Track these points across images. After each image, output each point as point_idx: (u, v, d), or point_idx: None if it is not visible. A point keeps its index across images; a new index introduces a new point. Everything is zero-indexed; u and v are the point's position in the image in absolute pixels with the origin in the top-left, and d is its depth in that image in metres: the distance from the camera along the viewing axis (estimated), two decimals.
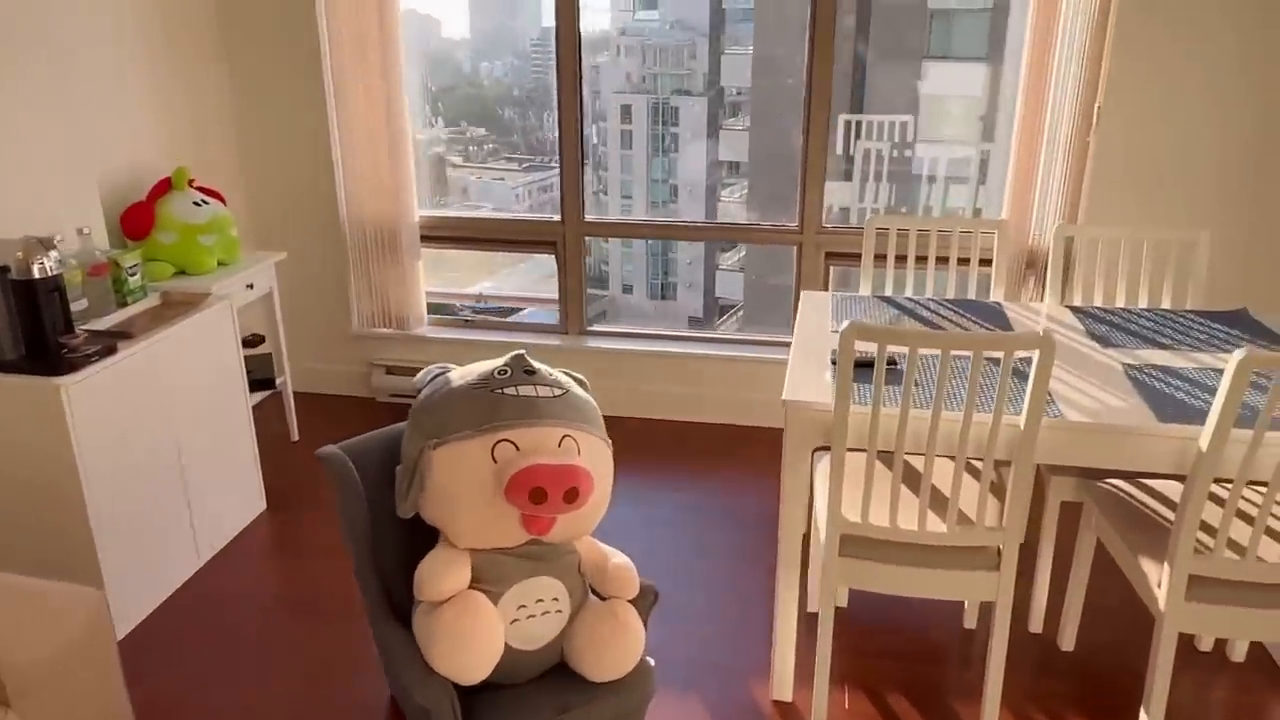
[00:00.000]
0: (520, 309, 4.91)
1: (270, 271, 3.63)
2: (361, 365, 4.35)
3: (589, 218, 4.06)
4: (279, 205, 4.08)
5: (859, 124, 7.23)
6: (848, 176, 6.95)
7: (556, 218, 4.07)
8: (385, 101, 3.75)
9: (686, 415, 4.19)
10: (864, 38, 6.99)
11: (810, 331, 2.65)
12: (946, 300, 2.94)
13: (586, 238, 4.18)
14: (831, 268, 4.04)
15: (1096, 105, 3.47)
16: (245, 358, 3.75)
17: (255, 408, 3.31)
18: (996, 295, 3.11)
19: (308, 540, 3.22)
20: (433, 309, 4.47)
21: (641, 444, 3.93)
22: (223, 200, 3.53)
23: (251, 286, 3.50)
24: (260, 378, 3.71)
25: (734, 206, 10.74)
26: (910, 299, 2.96)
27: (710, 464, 3.79)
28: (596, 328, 4.38)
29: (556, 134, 4.07)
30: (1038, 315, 2.84)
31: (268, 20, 3.94)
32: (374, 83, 3.83)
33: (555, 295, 4.32)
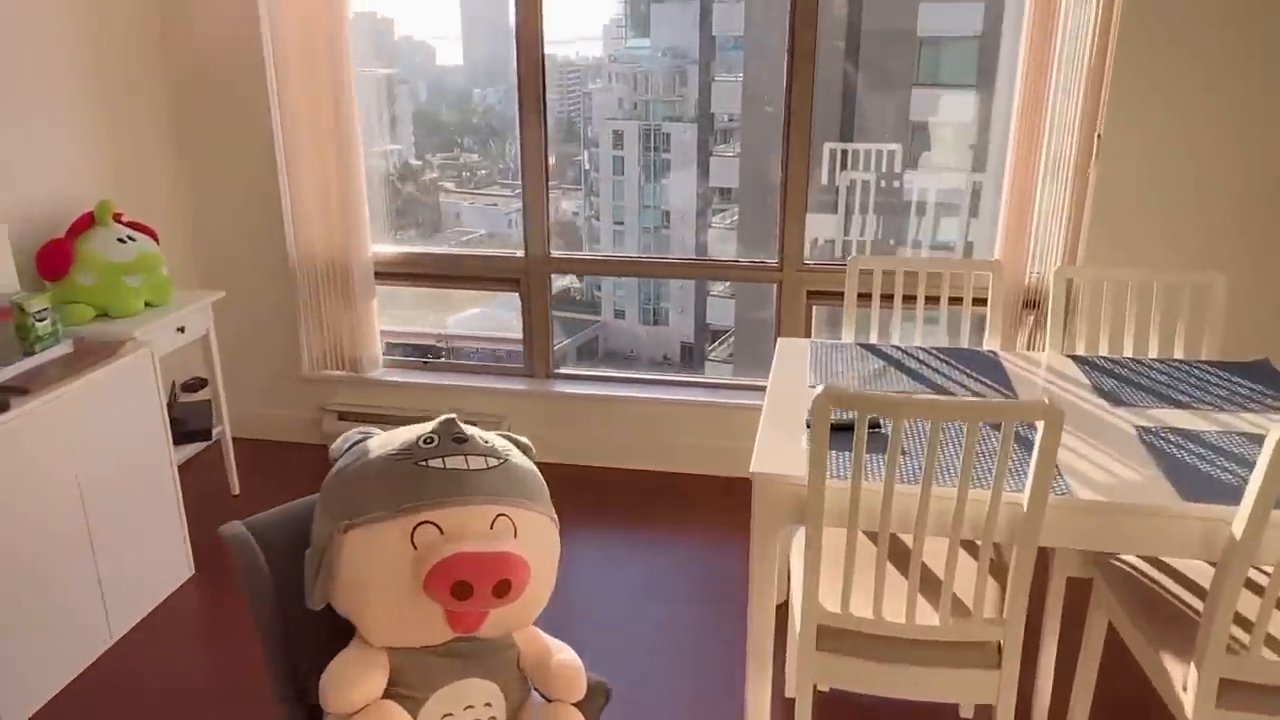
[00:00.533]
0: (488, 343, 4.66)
1: (206, 312, 3.35)
2: (312, 410, 4.06)
3: (555, 253, 3.78)
4: (224, 241, 3.86)
5: (845, 153, 6.99)
6: (834, 208, 6.70)
7: (519, 253, 3.79)
8: (335, 133, 3.53)
9: (662, 465, 3.91)
10: (853, 63, 6.77)
11: (786, 388, 2.37)
12: (937, 350, 2.67)
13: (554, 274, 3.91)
14: (815, 307, 3.77)
15: (1097, 134, 3.22)
16: (183, 405, 3.46)
17: (194, 459, 3.02)
18: (991, 342, 2.84)
19: (238, 611, 2.92)
20: (397, 349, 4.20)
21: (610, 497, 3.64)
22: (155, 236, 3.25)
23: (183, 330, 3.22)
24: (197, 427, 3.43)
25: (723, 234, 10.54)
26: (897, 348, 2.69)
27: (685, 519, 3.50)
28: (566, 370, 4.10)
29: (518, 163, 3.81)
30: (1037, 367, 2.56)
31: (210, 46, 3.69)
32: (323, 112, 3.58)
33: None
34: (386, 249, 3.88)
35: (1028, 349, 3.44)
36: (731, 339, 10.56)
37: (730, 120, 11.10)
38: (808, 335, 3.72)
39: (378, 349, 3.92)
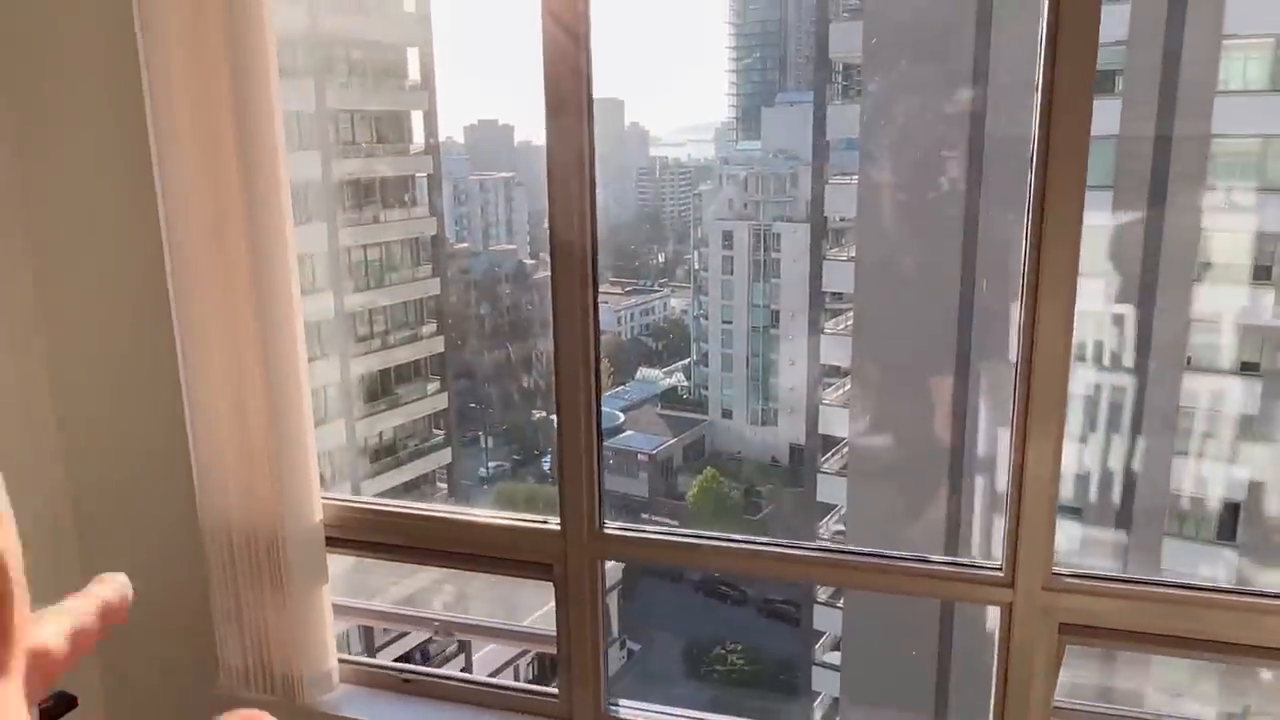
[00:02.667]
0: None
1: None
2: None
3: (611, 528, 2.28)
4: (96, 486, 2.54)
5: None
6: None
7: (554, 523, 2.27)
8: (259, 332, 2.05)
9: None
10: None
11: None
12: None
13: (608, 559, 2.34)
14: (1068, 647, 1.87)
15: None
16: None
17: None
18: None
19: None
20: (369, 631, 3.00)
21: None
22: None
23: None
24: None
25: (838, 339, 10.31)
26: None
27: None
28: (627, 702, 2.37)
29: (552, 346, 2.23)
30: None
31: (82, 198, 2.33)
32: (239, 303, 2.05)
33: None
34: (347, 501, 2.51)
35: None
36: (844, 451, 10.19)
37: (841, 220, 10.98)
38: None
39: (328, 659, 2.39)
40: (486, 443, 29.33)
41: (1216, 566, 8.06)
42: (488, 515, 2.52)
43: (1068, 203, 2.05)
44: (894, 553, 2.17)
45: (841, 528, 10.42)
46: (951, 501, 9.26)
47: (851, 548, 2.36)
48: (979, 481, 9.23)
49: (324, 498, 2.41)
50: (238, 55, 2.07)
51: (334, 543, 2.48)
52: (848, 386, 10.20)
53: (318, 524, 2.37)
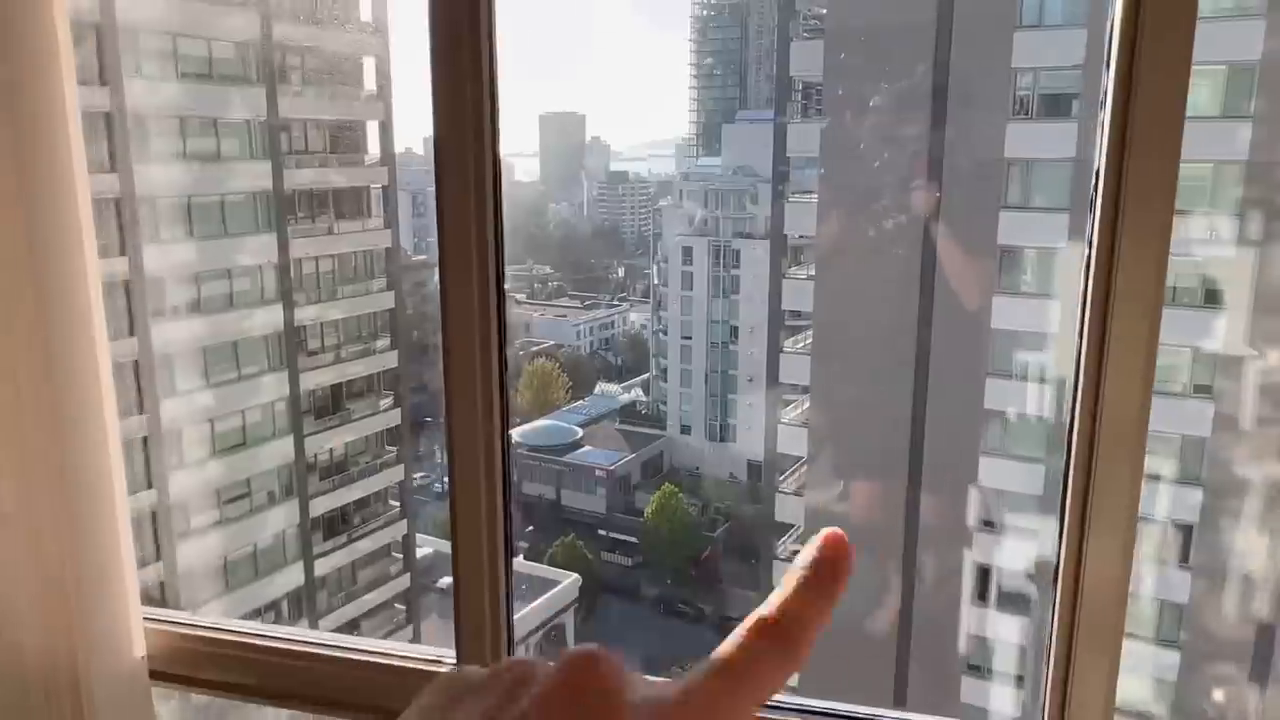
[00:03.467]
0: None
1: None
2: None
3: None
4: None
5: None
6: None
7: (449, 656, 1.54)
8: (51, 401, 1.41)
9: None
10: None
11: None
12: None
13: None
14: None
15: None
16: None
17: None
18: None
19: None
20: None
21: None
22: None
23: None
24: None
25: (798, 358, 10.28)
26: None
27: None
28: None
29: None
30: None
31: None
32: (17, 365, 1.36)
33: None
34: (177, 621, 1.70)
35: None
36: (804, 468, 10.15)
37: (800, 238, 10.98)
38: None
39: None
40: (443, 458, 28.69)
41: None
42: (368, 647, 1.71)
43: (1149, 244, 1.00)
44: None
45: (799, 548, 10.32)
46: (909, 519, 9.27)
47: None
48: (929, 500, 9.25)
49: (150, 619, 1.70)
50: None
51: (163, 680, 1.74)
52: (806, 405, 10.16)
53: (139, 660, 1.68)
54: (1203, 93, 7.88)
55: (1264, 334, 7.92)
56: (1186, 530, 8.22)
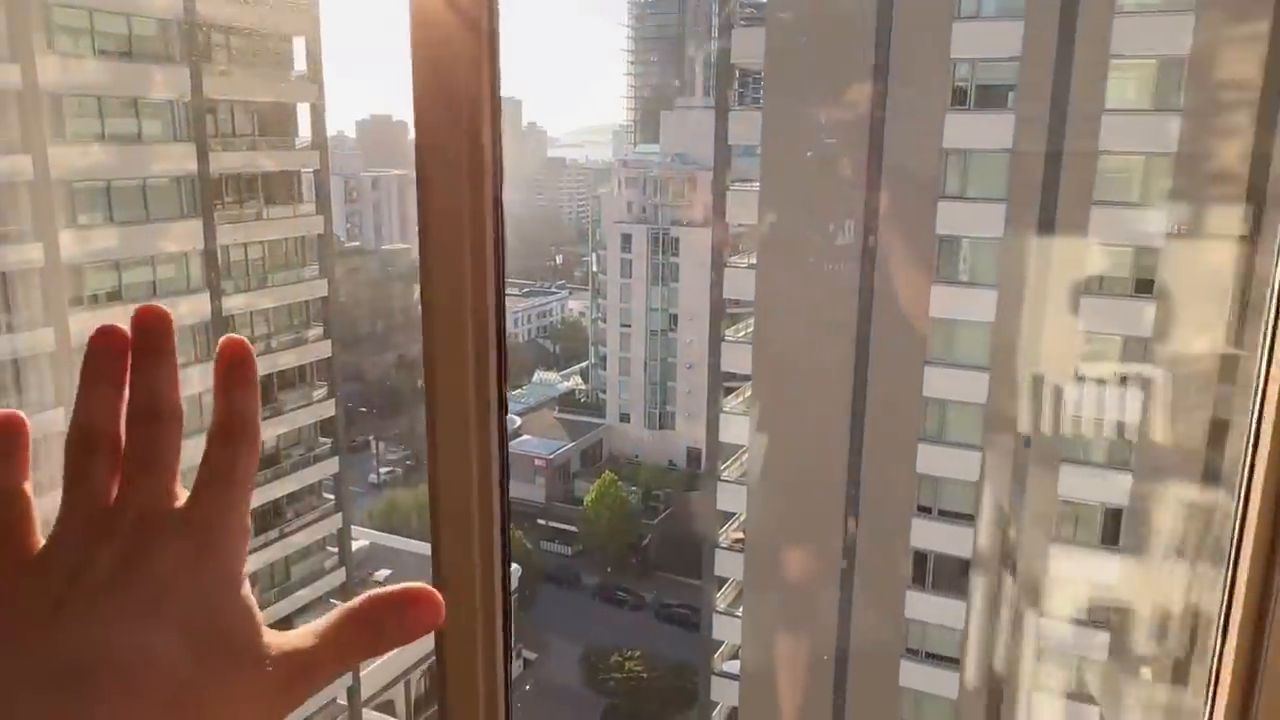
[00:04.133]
0: None
1: None
2: None
3: None
4: None
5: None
6: None
7: None
8: None
9: None
10: None
11: None
12: None
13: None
14: None
15: None
16: None
17: None
18: None
19: None
20: None
21: None
22: None
23: None
24: None
25: (739, 347, 10.28)
26: None
27: None
28: None
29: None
30: None
31: None
32: None
33: None
34: None
35: None
36: (744, 457, 10.16)
37: (741, 226, 10.96)
38: None
39: None
40: (378, 448, 28.32)
41: None
42: None
43: None
44: None
45: (741, 535, 10.40)
46: (848, 508, 9.36)
47: None
48: (868, 491, 9.36)
49: None
50: None
51: None
52: (748, 393, 10.18)
53: None
54: (1134, 86, 8.05)
55: None
56: None
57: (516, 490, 26.97)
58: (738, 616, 10.07)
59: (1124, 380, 8.24)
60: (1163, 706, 8.15)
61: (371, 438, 27.20)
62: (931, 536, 9.11)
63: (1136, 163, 8.01)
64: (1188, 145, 7.73)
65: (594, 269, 31.06)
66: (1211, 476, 7.84)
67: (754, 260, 9.79)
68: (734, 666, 10.34)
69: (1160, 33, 7.59)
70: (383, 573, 16.42)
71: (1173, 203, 7.79)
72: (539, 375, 33.41)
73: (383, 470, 27.04)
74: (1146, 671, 8.45)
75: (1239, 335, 7.55)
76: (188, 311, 8.08)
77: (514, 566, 15.92)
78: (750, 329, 10.20)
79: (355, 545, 13.44)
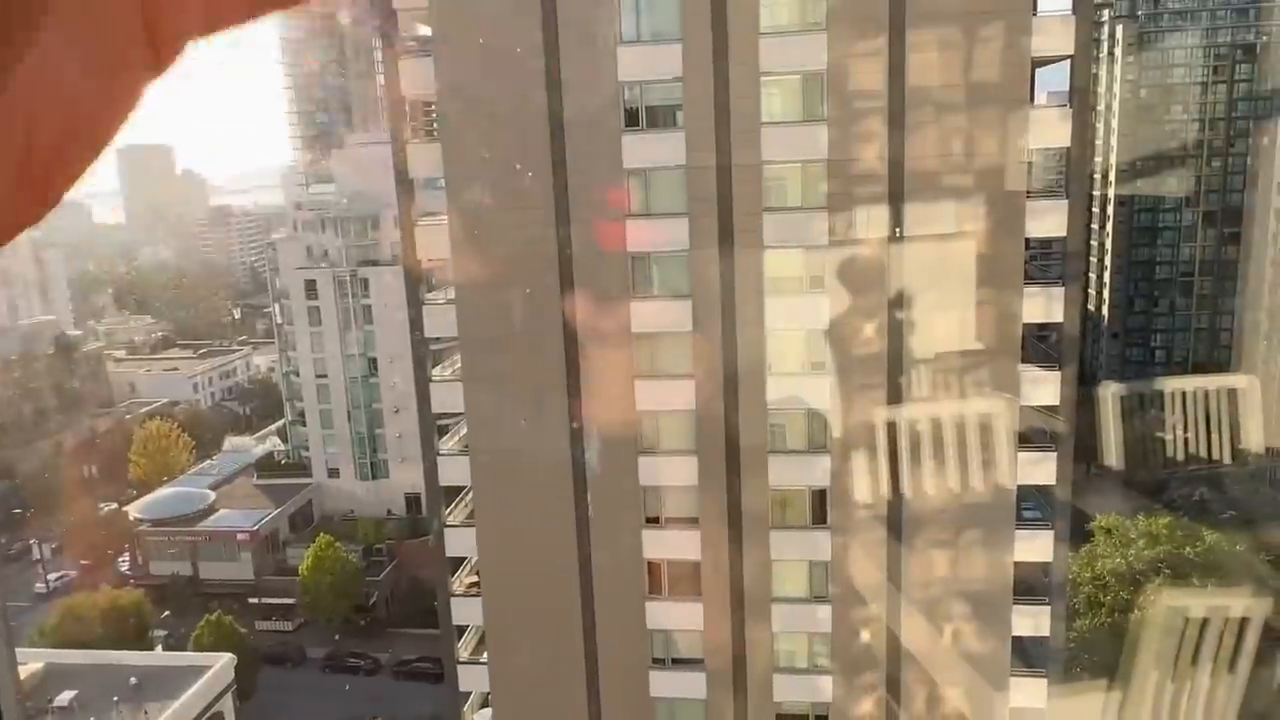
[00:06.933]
0: None
1: None
2: None
3: None
4: None
5: None
6: None
7: None
8: None
9: None
10: None
11: None
12: None
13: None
14: None
15: None
16: None
17: None
18: None
19: None
20: None
21: None
22: None
23: None
24: None
25: (449, 386, 9.91)
26: None
27: None
28: None
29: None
30: None
31: None
32: None
33: None
34: None
35: None
36: (469, 498, 9.81)
37: (432, 261, 10.62)
38: None
39: None
40: (42, 552, 24.55)
41: None
42: None
43: None
44: None
45: (476, 578, 10.06)
46: (580, 519, 9.34)
47: None
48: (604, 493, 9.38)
49: None
50: None
51: None
52: (464, 431, 9.88)
53: None
54: (785, 100, 8.72)
55: None
56: None
57: (219, 571, 24.57)
58: (483, 663, 9.68)
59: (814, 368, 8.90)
60: None
61: (34, 541, 23.57)
62: (659, 546, 9.32)
63: (795, 170, 8.67)
64: (836, 151, 8.47)
65: (278, 320, 29.08)
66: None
67: (452, 295, 9.49)
68: (486, 716, 9.93)
69: (800, 50, 8.27)
70: (66, 695, 14.11)
71: (831, 205, 8.50)
72: (230, 442, 30.72)
73: (52, 577, 23.50)
74: None
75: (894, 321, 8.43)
76: None
77: (226, 656, 14.35)
78: (458, 365, 9.87)
79: (24, 671, 11.54)
